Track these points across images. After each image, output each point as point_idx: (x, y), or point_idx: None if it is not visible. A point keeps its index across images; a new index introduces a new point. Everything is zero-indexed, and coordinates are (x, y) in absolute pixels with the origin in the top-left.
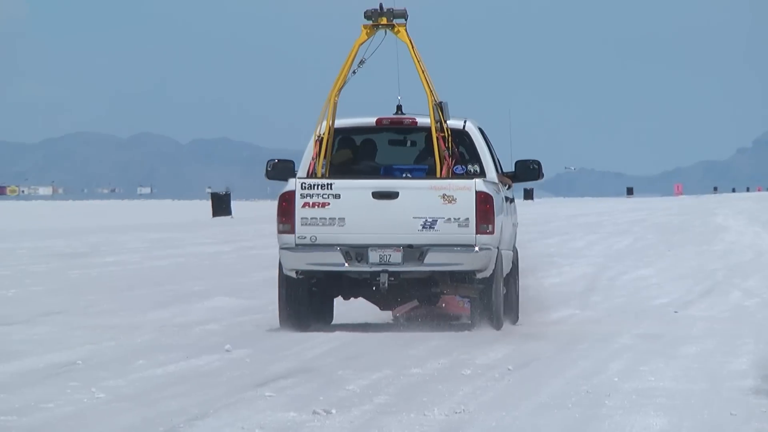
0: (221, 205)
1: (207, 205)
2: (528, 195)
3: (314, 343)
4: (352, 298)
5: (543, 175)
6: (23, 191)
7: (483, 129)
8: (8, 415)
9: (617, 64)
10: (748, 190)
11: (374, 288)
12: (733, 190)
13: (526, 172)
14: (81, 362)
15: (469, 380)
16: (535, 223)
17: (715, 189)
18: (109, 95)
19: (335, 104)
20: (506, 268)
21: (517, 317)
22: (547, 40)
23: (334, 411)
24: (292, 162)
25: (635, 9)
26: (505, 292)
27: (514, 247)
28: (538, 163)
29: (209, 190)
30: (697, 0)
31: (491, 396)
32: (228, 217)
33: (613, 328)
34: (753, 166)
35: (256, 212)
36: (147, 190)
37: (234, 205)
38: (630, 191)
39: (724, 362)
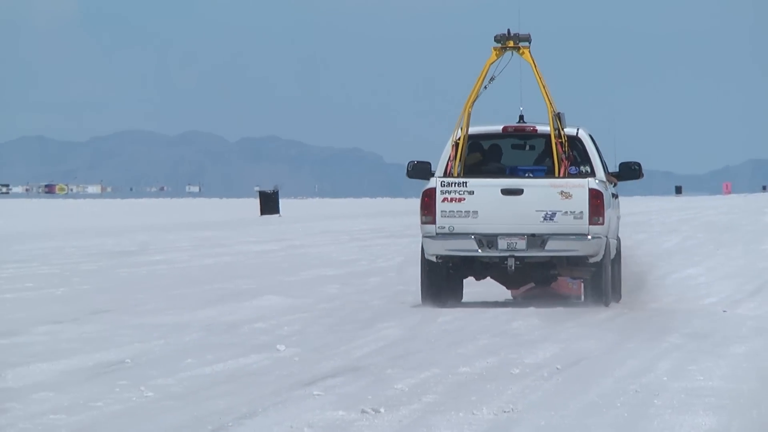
0: (269, 203)
1: (255, 203)
2: None
3: (362, 342)
4: (482, 279)
5: (643, 174)
6: (72, 189)
7: (592, 135)
8: (57, 414)
9: (666, 63)
10: None
11: (502, 270)
12: None
13: (629, 172)
14: (130, 361)
15: (518, 379)
16: None
17: (764, 188)
18: (157, 93)
19: (469, 115)
20: (612, 253)
21: (620, 296)
22: (592, 39)
23: (382, 410)
24: (429, 163)
25: (678, 7)
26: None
27: (617, 236)
28: (639, 165)
29: (257, 189)
30: None
31: (540, 395)
32: (276, 216)
33: (662, 327)
34: None
35: (304, 210)
36: (195, 188)
37: (282, 203)
38: (679, 190)
39: None
